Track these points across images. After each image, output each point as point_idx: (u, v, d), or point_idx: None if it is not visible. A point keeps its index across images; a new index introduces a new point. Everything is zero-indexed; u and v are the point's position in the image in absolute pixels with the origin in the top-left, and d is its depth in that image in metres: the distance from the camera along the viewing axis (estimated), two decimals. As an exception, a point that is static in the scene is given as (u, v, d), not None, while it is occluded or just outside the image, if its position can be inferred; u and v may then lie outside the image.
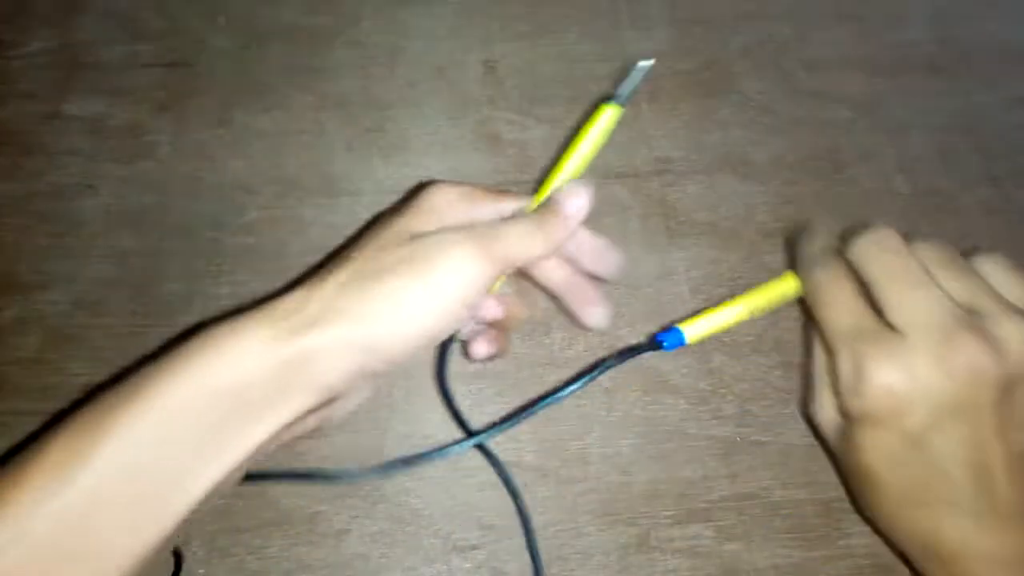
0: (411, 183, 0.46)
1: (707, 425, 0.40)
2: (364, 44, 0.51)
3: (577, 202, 0.29)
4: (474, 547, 0.37)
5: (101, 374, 0.39)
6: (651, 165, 0.47)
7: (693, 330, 0.32)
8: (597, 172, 0.47)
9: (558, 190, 0.30)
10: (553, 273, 0.32)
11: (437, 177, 0.46)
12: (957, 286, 0.26)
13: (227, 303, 0.42)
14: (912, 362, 0.24)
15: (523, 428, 0.40)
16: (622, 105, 0.31)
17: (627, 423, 0.40)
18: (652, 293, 0.43)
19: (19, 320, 0.41)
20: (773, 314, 0.43)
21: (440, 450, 0.34)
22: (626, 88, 0.31)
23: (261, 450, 0.26)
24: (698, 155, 0.48)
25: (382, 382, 0.33)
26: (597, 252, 0.33)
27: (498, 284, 0.33)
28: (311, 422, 0.28)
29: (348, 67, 0.50)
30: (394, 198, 0.45)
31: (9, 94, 0.48)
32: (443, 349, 0.38)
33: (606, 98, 0.31)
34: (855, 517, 0.38)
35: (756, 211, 0.46)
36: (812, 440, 0.40)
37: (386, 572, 0.36)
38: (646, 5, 0.54)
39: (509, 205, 0.31)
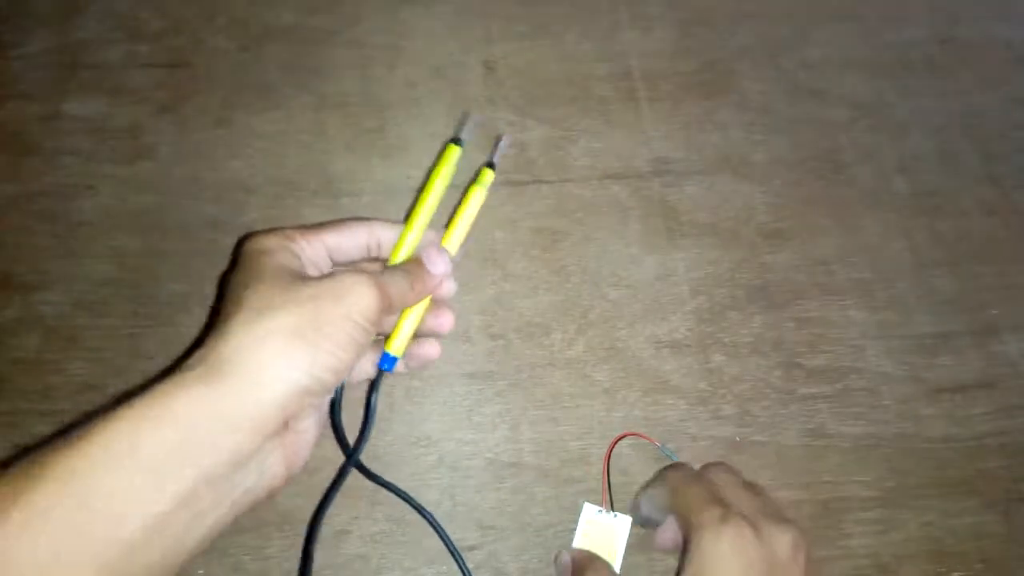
0: (411, 183, 0.46)
1: (707, 425, 0.40)
2: (364, 44, 0.51)
3: (441, 266, 0.35)
4: (474, 547, 0.37)
5: (101, 374, 0.40)
6: (651, 165, 0.47)
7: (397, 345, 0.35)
8: (597, 173, 0.47)
9: (426, 248, 0.35)
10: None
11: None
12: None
13: (227, 303, 0.42)
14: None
15: (523, 428, 0.40)
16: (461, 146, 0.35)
17: (627, 423, 0.40)
18: (652, 293, 0.43)
19: (19, 320, 0.41)
20: (772, 315, 0.43)
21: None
22: (466, 132, 0.36)
23: (222, 490, 0.26)
24: (698, 155, 0.48)
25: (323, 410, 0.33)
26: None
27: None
28: (276, 465, 0.29)
29: (348, 67, 0.50)
30: (394, 198, 0.45)
31: (9, 94, 0.48)
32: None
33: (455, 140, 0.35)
34: (854, 517, 0.38)
35: (756, 211, 0.46)
36: (811, 440, 0.40)
37: (386, 572, 0.36)
38: (646, 5, 0.54)
39: (354, 231, 0.34)
